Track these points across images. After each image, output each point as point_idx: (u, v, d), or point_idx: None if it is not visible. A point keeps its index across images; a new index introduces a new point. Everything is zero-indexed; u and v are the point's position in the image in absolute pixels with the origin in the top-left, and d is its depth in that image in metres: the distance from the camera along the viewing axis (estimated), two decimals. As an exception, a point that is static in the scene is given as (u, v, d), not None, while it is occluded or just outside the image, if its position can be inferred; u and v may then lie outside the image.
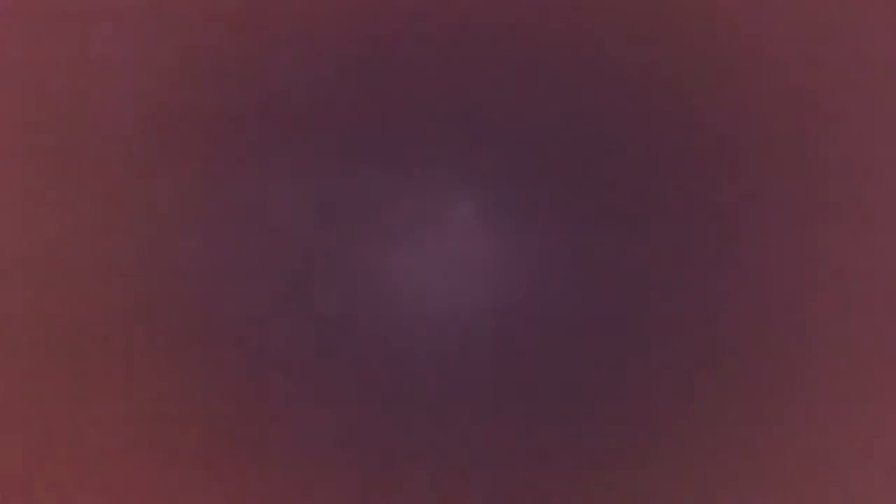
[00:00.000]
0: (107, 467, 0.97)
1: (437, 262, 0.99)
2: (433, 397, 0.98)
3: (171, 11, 1.00)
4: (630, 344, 0.98)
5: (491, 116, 1.00)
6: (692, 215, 0.99)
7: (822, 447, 0.98)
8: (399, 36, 1.00)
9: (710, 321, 0.98)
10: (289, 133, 0.99)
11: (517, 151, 1.00)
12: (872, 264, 0.99)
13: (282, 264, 0.99)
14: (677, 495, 0.97)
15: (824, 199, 1.00)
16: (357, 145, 0.99)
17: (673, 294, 0.98)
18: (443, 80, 1.00)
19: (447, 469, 0.98)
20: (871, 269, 0.99)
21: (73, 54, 1.00)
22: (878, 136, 1.00)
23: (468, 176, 0.99)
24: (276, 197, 0.99)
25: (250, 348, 0.98)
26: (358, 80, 1.00)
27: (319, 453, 0.98)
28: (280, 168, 0.99)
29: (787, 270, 0.99)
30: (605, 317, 0.98)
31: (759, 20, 1.01)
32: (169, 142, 0.99)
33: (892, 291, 0.99)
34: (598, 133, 1.00)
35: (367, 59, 1.00)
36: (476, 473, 0.98)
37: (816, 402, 0.98)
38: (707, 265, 0.99)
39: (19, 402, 0.98)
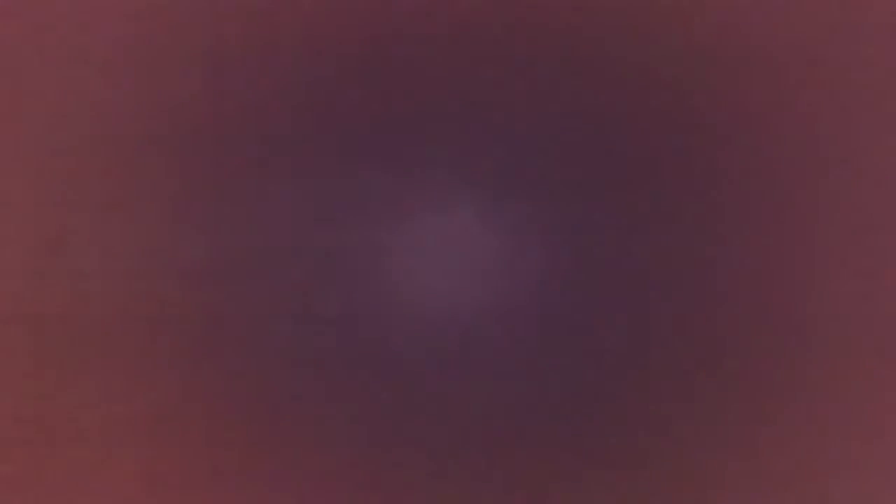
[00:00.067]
0: (107, 467, 0.97)
1: (438, 262, 0.99)
2: (433, 397, 0.98)
3: (171, 11, 1.00)
4: (630, 344, 0.98)
5: (491, 116, 1.00)
6: (692, 215, 0.99)
7: (822, 447, 0.98)
8: (399, 36, 1.00)
9: (710, 321, 0.98)
10: (289, 133, 0.99)
11: (518, 151, 1.00)
12: (872, 264, 0.99)
13: (282, 264, 0.99)
14: (677, 495, 0.97)
15: (824, 199, 1.00)
16: (357, 145, 0.99)
17: (673, 294, 0.99)
18: (443, 80, 1.00)
19: (447, 468, 0.98)
20: (871, 269, 0.99)
21: (73, 54, 1.00)
22: (877, 136, 1.00)
23: (469, 176, 0.99)
24: (276, 197, 0.99)
25: (250, 348, 0.98)
26: (358, 79, 1.00)
27: (320, 453, 0.98)
28: (280, 168, 0.99)
29: (787, 270, 0.99)
30: (605, 317, 0.98)
31: (759, 20, 1.01)
32: (169, 142, 0.99)
33: (893, 291, 0.99)
34: (598, 133, 1.00)
35: (367, 59, 1.00)
36: (476, 473, 0.98)
37: (816, 402, 0.98)
38: (707, 265, 0.99)
39: (19, 402, 0.98)
